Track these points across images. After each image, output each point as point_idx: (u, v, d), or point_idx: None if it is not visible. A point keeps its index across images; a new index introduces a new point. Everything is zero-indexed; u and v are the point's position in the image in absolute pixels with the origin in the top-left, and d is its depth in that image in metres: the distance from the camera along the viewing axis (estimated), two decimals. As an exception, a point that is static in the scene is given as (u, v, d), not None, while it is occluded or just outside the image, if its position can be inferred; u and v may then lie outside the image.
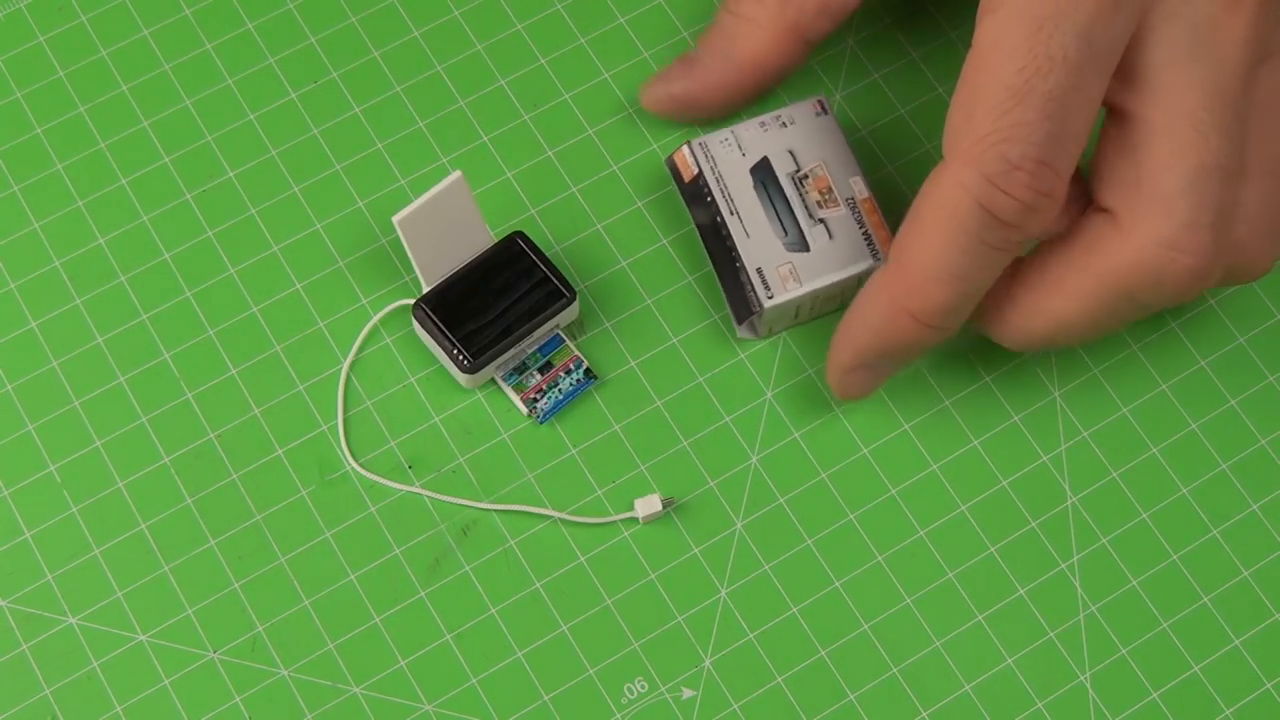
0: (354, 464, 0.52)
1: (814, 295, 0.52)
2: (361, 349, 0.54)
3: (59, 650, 0.50)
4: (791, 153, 0.54)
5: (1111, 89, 0.48)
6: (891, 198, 0.56)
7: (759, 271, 0.52)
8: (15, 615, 0.51)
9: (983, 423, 0.54)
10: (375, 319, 0.54)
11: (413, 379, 0.54)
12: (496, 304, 0.52)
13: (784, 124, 0.54)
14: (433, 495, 0.52)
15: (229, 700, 0.50)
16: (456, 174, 0.51)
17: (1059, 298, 0.49)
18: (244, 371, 0.54)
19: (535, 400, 0.53)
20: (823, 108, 0.54)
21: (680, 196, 0.55)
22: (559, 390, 0.53)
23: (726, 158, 0.53)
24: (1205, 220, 0.47)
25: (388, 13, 0.58)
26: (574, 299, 0.52)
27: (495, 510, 0.52)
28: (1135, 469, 0.53)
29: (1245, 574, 0.52)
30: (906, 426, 0.53)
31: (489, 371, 0.52)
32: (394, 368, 0.54)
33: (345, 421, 0.53)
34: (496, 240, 0.53)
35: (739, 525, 0.52)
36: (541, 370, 0.53)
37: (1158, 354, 0.54)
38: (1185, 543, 0.52)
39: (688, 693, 0.51)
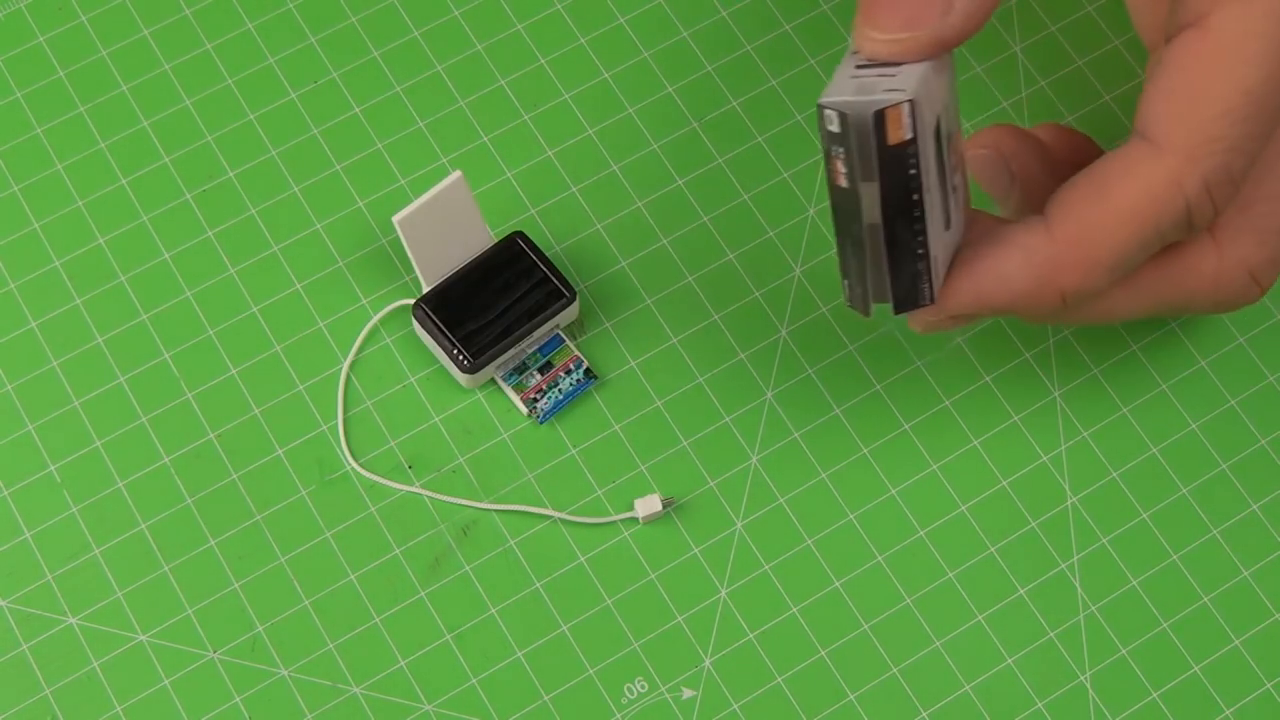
0: (354, 464, 0.52)
1: None
2: (361, 349, 0.54)
3: (59, 650, 0.50)
4: (942, 113, 0.45)
5: None
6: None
7: (937, 260, 0.45)
8: (15, 615, 0.51)
9: (983, 423, 0.54)
10: (375, 319, 0.54)
11: (413, 379, 0.54)
12: (496, 304, 0.52)
13: (939, 71, 0.44)
14: (433, 495, 0.52)
15: (229, 700, 0.50)
16: (456, 174, 0.51)
17: (1127, 290, 0.47)
18: (244, 371, 0.54)
19: (535, 400, 0.53)
20: None
21: (855, 166, 0.44)
22: (559, 390, 0.53)
23: (925, 119, 0.44)
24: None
25: (388, 13, 0.58)
26: (574, 299, 0.52)
27: (495, 510, 0.52)
28: (1135, 469, 0.53)
29: (1245, 574, 0.52)
30: (906, 426, 0.53)
31: (489, 371, 0.52)
32: (394, 368, 0.54)
33: (345, 421, 0.53)
34: (496, 240, 0.53)
35: (739, 525, 0.52)
36: (541, 370, 0.53)
37: (1158, 354, 0.54)
38: (1185, 543, 0.52)
39: (688, 693, 0.51)
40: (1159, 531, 0.52)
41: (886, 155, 0.43)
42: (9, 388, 0.53)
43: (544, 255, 0.53)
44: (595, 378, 0.53)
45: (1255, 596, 0.52)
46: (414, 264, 0.52)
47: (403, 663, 0.51)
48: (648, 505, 0.52)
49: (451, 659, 0.51)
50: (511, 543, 0.52)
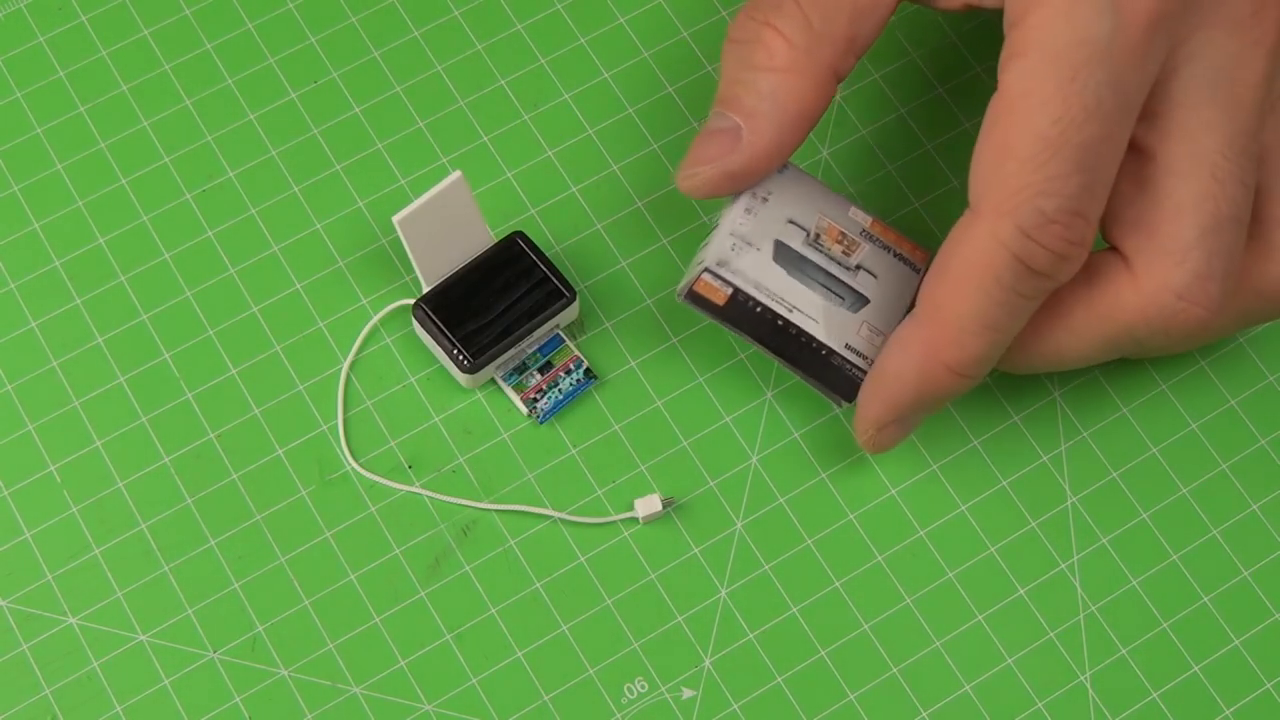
0: (354, 464, 0.52)
1: None
2: (361, 349, 0.54)
3: (59, 650, 0.50)
4: (791, 221, 0.51)
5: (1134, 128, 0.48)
6: (893, 199, 0.56)
7: (848, 347, 0.50)
8: (15, 615, 0.51)
9: (983, 423, 0.54)
10: (375, 319, 0.54)
11: (413, 379, 0.54)
12: (496, 304, 0.52)
13: (764, 199, 0.51)
14: (433, 495, 0.52)
15: (229, 700, 0.50)
16: (456, 174, 0.51)
17: (1064, 333, 0.49)
18: (244, 371, 0.54)
19: (535, 400, 0.53)
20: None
21: (721, 323, 0.51)
22: (559, 390, 0.53)
23: (748, 262, 0.50)
24: (1217, 272, 0.47)
25: (388, 13, 0.58)
26: (574, 299, 0.52)
27: (495, 510, 0.52)
28: (1135, 469, 0.53)
29: (1245, 574, 0.52)
30: (906, 426, 0.53)
31: (489, 371, 0.52)
32: (394, 368, 0.54)
33: (345, 421, 0.53)
34: (496, 240, 0.53)
35: (739, 525, 0.52)
36: (541, 370, 0.53)
37: (1158, 354, 0.54)
38: (1185, 543, 0.52)
39: (688, 693, 0.51)
40: (1159, 531, 0.52)
41: (726, 313, 0.50)
42: (9, 388, 0.53)
43: (544, 255, 0.53)
44: (595, 378, 0.53)
45: (1255, 596, 0.52)
46: (414, 264, 0.52)
47: (403, 663, 0.51)
48: (648, 505, 0.52)
49: (451, 659, 0.51)
50: (511, 543, 0.52)
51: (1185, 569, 0.52)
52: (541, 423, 0.53)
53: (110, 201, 0.56)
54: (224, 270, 0.55)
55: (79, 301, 0.54)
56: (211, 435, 0.53)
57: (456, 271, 0.52)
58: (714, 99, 0.51)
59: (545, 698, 0.50)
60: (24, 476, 0.52)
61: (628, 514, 0.52)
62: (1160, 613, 0.52)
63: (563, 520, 0.52)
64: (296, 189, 0.56)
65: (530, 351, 0.53)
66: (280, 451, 0.53)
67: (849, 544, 0.52)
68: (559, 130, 0.57)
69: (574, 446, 0.53)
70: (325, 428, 0.53)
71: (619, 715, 0.50)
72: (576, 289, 0.54)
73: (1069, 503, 0.53)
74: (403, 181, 0.56)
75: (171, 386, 0.53)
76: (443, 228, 0.52)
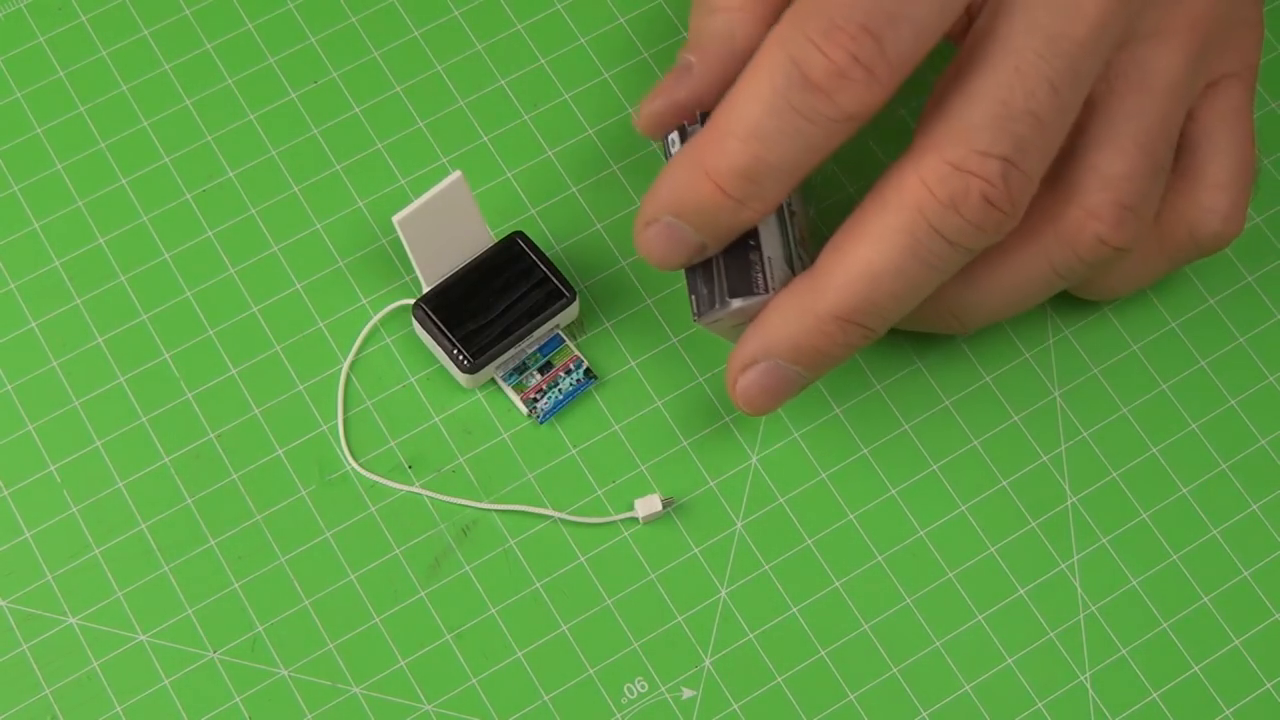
0: (354, 464, 0.52)
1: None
2: (361, 349, 0.54)
3: (59, 650, 0.50)
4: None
5: (964, 23, 0.47)
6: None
7: (771, 262, 0.49)
8: (15, 615, 0.51)
9: (983, 423, 0.54)
10: (375, 319, 0.54)
11: (413, 379, 0.54)
12: (496, 304, 0.52)
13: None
14: (433, 495, 0.52)
15: (229, 700, 0.50)
16: (456, 174, 0.51)
17: (863, 244, 0.47)
18: (244, 371, 0.54)
19: (535, 400, 0.53)
20: None
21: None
22: (559, 390, 0.53)
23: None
24: (1003, 151, 0.46)
25: (388, 13, 0.58)
26: (574, 299, 0.52)
27: (495, 510, 0.52)
28: (1135, 469, 0.53)
29: (1245, 574, 0.52)
30: (906, 427, 0.53)
31: (489, 371, 0.52)
32: (394, 368, 0.54)
33: (345, 421, 0.53)
34: (496, 240, 0.53)
35: (739, 525, 0.52)
36: (541, 370, 0.53)
37: (1158, 353, 0.54)
38: (1185, 543, 0.52)
39: (688, 693, 0.51)
40: (1159, 531, 0.52)
41: None
42: (9, 388, 0.53)
43: (544, 255, 0.53)
44: (595, 378, 0.53)
45: (1255, 596, 0.52)
46: (414, 264, 0.52)
47: (403, 663, 0.51)
48: (648, 505, 0.52)
49: (451, 659, 0.51)
50: (511, 543, 0.52)
51: (1185, 569, 0.52)
52: (541, 423, 0.53)
53: (110, 201, 0.56)
54: (224, 270, 0.55)
55: (79, 301, 0.54)
56: (211, 435, 0.53)
57: (456, 271, 0.52)
58: None
59: (545, 698, 0.50)
60: (24, 476, 0.52)
61: (628, 514, 0.52)
62: (1160, 613, 0.52)
63: (563, 520, 0.52)
64: (296, 189, 0.56)
65: (530, 351, 0.53)
66: (280, 451, 0.53)
67: (849, 544, 0.52)
68: (559, 130, 0.57)
69: (574, 446, 0.53)
70: (325, 428, 0.53)
71: (619, 715, 0.50)
72: (576, 289, 0.54)
73: (1069, 503, 0.53)
74: (403, 181, 0.56)
75: (171, 386, 0.53)
76: (443, 228, 0.52)
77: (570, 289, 0.52)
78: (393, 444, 0.53)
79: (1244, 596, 0.52)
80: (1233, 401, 0.54)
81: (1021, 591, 0.52)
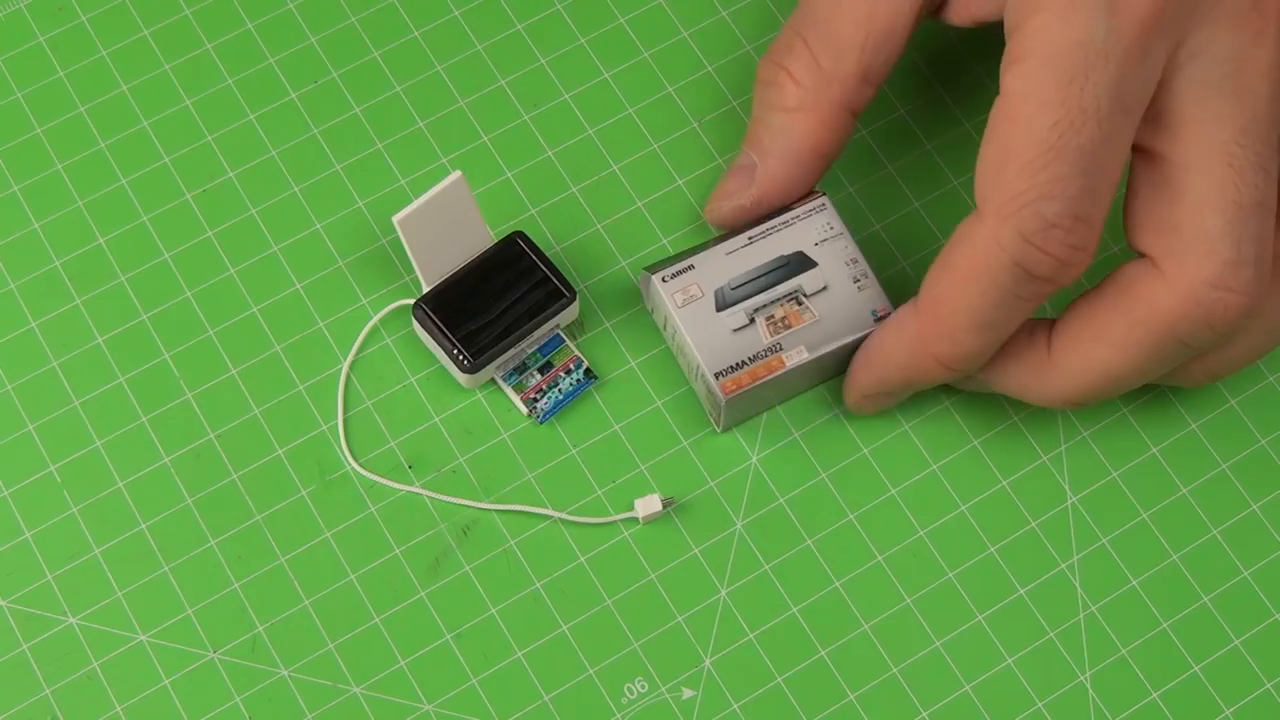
0: (354, 464, 0.52)
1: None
2: (361, 349, 0.54)
3: (59, 650, 0.50)
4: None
5: (1141, 131, 0.48)
6: (894, 199, 0.56)
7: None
8: (15, 615, 0.51)
9: (983, 423, 0.54)
10: (375, 319, 0.54)
11: (413, 379, 0.54)
12: (496, 304, 0.52)
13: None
14: (433, 495, 0.52)
15: (229, 700, 0.50)
16: (456, 174, 0.51)
17: (1106, 348, 0.48)
18: (244, 371, 0.54)
19: (535, 400, 0.53)
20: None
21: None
22: (559, 390, 0.53)
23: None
24: (1249, 256, 0.47)
25: (388, 13, 0.58)
26: (574, 299, 0.52)
27: (495, 510, 0.52)
28: (1135, 469, 0.53)
29: (1245, 574, 0.52)
30: (906, 426, 0.53)
31: (489, 371, 0.52)
32: (394, 368, 0.54)
33: (345, 421, 0.53)
34: (496, 240, 0.53)
35: (739, 525, 0.52)
36: (542, 370, 0.53)
37: (1158, 354, 0.54)
38: (1185, 543, 0.52)
39: (688, 693, 0.51)
40: (1159, 531, 0.52)
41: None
42: (9, 388, 0.53)
43: (544, 255, 0.53)
44: (595, 378, 0.53)
45: (1255, 596, 0.52)
46: (414, 264, 0.52)
47: (403, 663, 0.51)
48: (648, 505, 0.52)
49: (451, 659, 0.51)
50: (511, 543, 0.52)
51: (1185, 569, 0.52)
52: (542, 422, 0.53)
53: (110, 201, 0.56)
54: (224, 270, 0.55)
55: (79, 301, 0.54)
56: (211, 435, 0.53)
57: (456, 271, 0.52)
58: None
59: (545, 698, 0.50)
60: (24, 476, 0.52)
61: (628, 514, 0.52)
62: (1160, 613, 0.52)
63: (562, 520, 0.52)
64: (296, 189, 0.56)
65: (530, 352, 0.53)
66: (280, 451, 0.53)
67: (849, 544, 0.52)
68: (559, 130, 0.57)
69: (574, 446, 0.53)
70: (325, 428, 0.53)
71: (619, 715, 0.50)
72: (576, 289, 0.54)
73: (1069, 503, 0.53)
74: (403, 181, 0.56)
75: (171, 386, 0.53)
76: (443, 228, 0.52)
77: (570, 289, 0.52)
78: (393, 444, 0.53)
79: (1244, 596, 0.52)
80: (1232, 402, 0.54)
81: (1021, 591, 0.52)
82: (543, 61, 0.58)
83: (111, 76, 0.57)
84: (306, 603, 0.51)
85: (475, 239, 0.53)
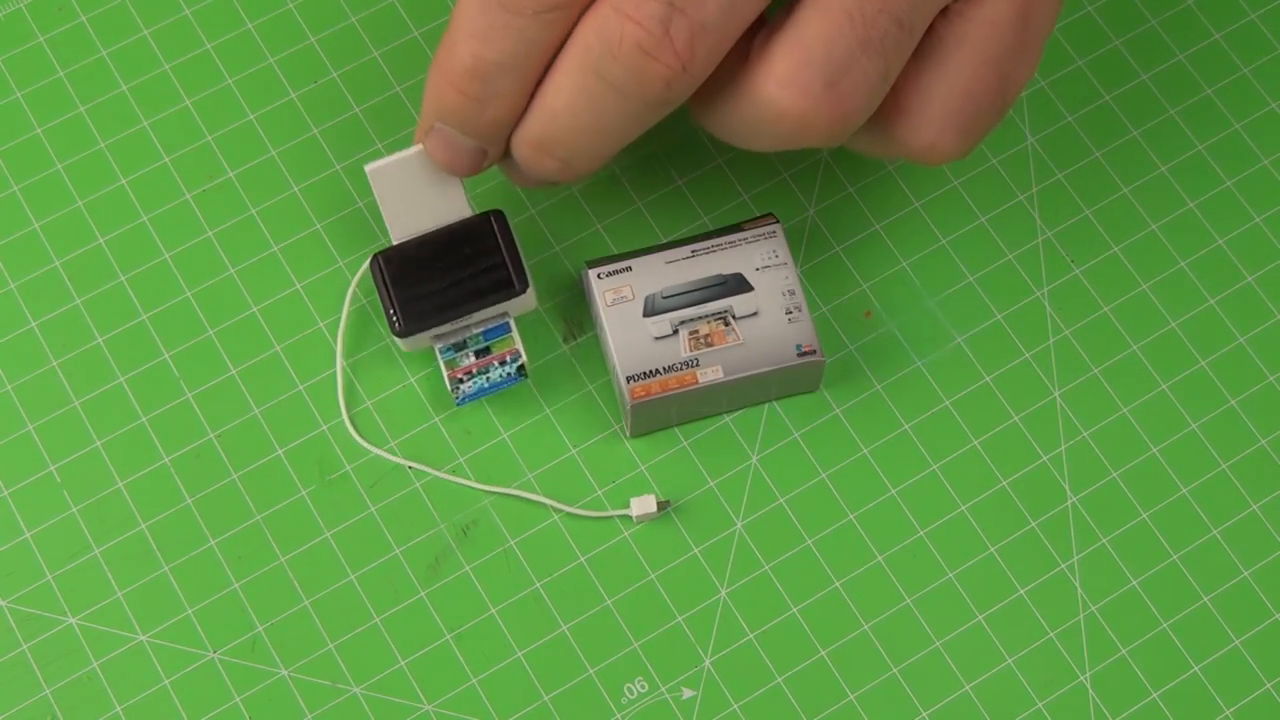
0: (355, 435, 0.52)
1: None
2: (362, 349, 0.54)
3: (59, 650, 0.50)
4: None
5: None
6: (894, 200, 0.56)
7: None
8: (15, 615, 0.51)
9: (983, 423, 0.54)
10: (359, 275, 0.53)
11: (412, 379, 0.54)
12: (449, 275, 0.51)
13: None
14: (438, 475, 0.52)
15: (229, 700, 0.50)
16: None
17: (713, 95, 0.47)
18: (244, 371, 0.54)
19: (460, 381, 0.52)
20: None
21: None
22: (486, 378, 0.52)
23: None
24: (819, 70, 0.45)
25: (388, 13, 0.58)
26: (524, 290, 0.51)
27: (493, 493, 0.52)
28: (1135, 469, 0.53)
29: (1245, 574, 0.52)
30: (906, 426, 0.53)
31: (424, 340, 0.52)
32: (394, 368, 0.54)
33: (344, 385, 0.53)
34: (475, 214, 0.52)
35: (739, 525, 0.52)
36: (478, 353, 0.52)
37: (1158, 354, 0.54)
38: (1185, 543, 0.52)
39: (688, 693, 0.51)
40: (1159, 531, 0.52)
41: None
42: (9, 388, 0.53)
43: (513, 241, 0.51)
44: (525, 376, 0.52)
45: (1255, 596, 0.52)
46: (384, 218, 0.51)
47: (403, 663, 0.51)
48: (643, 505, 0.52)
49: (451, 659, 0.51)
50: (511, 543, 0.52)
51: (1185, 569, 0.52)
52: (459, 405, 0.52)
53: (110, 201, 0.56)
54: (224, 270, 0.55)
55: (79, 301, 0.54)
56: (211, 435, 0.53)
57: (423, 235, 0.51)
58: None
59: (545, 698, 0.50)
60: (24, 476, 0.52)
61: (622, 511, 0.52)
62: (1160, 613, 0.52)
63: (557, 510, 0.52)
64: (296, 189, 0.56)
65: (475, 332, 0.52)
66: (280, 451, 0.53)
67: (849, 544, 0.52)
68: (559, 130, 0.57)
69: (574, 446, 0.53)
70: (325, 428, 0.53)
71: (619, 715, 0.50)
72: (531, 284, 0.52)
73: (1069, 503, 0.53)
74: (403, 181, 0.56)
75: (171, 386, 0.53)
76: (420, 189, 0.51)
77: (523, 280, 0.51)
78: (393, 444, 0.53)
79: (1244, 596, 0.52)
80: (1233, 401, 0.54)
81: (1021, 591, 0.52)
82: (543, 61, 0.58)
83: (111, 76, 0.57)
84: (306, 603, 0.51)
85: (453, 208, 0.51)
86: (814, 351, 0.51)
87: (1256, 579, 0.52)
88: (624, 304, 0.52)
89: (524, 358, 0.52)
